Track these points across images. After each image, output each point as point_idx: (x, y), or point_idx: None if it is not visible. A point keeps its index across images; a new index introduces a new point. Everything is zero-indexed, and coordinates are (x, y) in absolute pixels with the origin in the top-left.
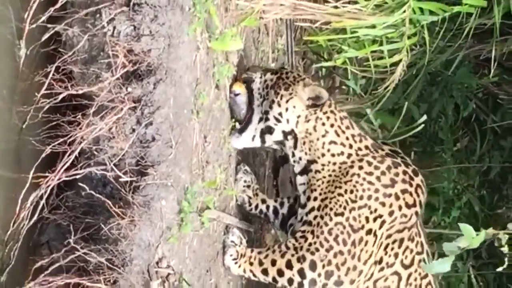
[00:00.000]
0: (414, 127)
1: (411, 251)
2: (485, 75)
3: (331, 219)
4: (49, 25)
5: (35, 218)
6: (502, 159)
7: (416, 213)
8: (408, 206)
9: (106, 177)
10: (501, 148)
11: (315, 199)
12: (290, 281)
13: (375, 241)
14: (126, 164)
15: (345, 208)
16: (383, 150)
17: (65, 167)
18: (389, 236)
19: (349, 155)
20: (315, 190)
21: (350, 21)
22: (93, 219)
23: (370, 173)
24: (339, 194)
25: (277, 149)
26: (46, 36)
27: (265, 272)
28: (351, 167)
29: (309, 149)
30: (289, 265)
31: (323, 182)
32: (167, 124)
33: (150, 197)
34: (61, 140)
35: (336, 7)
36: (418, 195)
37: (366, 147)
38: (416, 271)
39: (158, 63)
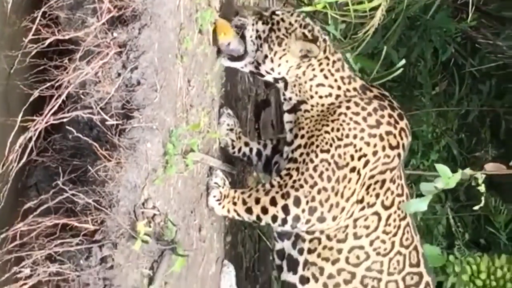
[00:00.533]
0: (393, 71)
1: (392, 192)
2: (464, 19)
3: (316, 156)
4: None
5: (23, 160)
6: (480, 103)
7: (399, 155)
8: (391, 147)
9: (93, 121)
10: (479, 92)
11: (302, 136)
12: (274, 218)
13: (358, 179)
14: (112, 108)
15: (331, 145)
16: (372, 92)
17: (52, 110)
18: (372, 176)
19: (337, 96)
20: (303, 128)
21: None
22: (80, 162)
23: (357, 113)
24: (326, 132)
25: (259, 94)
26: None
27: (249, 210)
28: (339, 107)
29: (299, 91)
30: (273, 202)
31: (311, 121)
32: (152, 68)
33: (136, 139)
34: (49, 84)
35: None
36: (401, 138)
37: (355, 89)
38: (395, 212)
39: (142, 9)
